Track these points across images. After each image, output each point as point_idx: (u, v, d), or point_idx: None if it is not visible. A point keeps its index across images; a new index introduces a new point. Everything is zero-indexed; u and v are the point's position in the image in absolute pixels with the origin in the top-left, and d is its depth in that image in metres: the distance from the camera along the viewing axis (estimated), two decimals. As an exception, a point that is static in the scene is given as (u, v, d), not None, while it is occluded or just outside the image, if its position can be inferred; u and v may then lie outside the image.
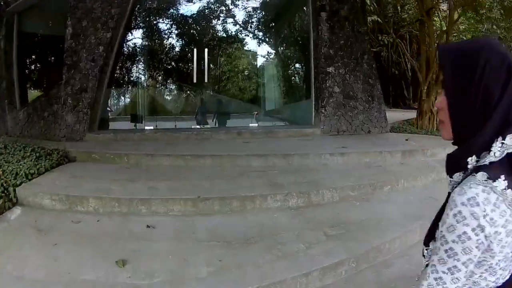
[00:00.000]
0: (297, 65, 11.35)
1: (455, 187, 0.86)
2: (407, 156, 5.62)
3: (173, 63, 10.99)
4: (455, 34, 9.21)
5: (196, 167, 4.97)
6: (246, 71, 13.09)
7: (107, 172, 4.80)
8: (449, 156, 0.92)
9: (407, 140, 6.91)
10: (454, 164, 0.90)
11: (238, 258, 2.91)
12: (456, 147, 0.92)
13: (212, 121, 9.44)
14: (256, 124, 7.63)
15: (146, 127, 7.32)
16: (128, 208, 3.70)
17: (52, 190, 4.06)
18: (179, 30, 10.62)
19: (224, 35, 11.61)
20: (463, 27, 10.24)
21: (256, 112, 11.21)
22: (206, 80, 8.31)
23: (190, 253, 3.00)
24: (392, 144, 6.41)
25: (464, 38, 10.87)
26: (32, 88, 9.57)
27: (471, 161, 0.85)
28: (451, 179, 0.91)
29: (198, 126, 7.57)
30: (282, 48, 12.29)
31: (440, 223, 0.86)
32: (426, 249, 0.94)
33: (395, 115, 11.62)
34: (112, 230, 3.42)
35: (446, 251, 0.82)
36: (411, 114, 11.49)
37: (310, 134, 7.05)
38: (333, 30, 7.25)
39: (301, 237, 3.22)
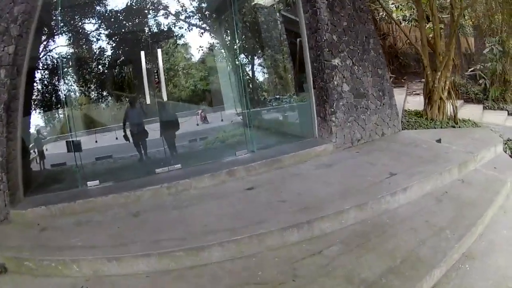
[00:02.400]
0: (276, 58, 9.43)
1: None
2: (463, 169, 4.52)
3: (105, 70, 8.39)
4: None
5: (198, 273, 2.86)
6: (197, 69, 10.88)
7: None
8: None
9: (439, 141, 5.59)
10: None
11: None
12: None
13: (160, 136, 7.03)
14: (245, 152, 5.38)
15: (89, 183, 4.77)
16: None
17: None
18: (109, 30, 8.02)
19: (162, 29, 9.21)
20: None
21: (200, 111, 9.28)
22: (145, 85, 5.76)
23: None
24: (433, 152, 4.98)
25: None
26: None
27: None
28: None
29: (158, 170, 4.98)
30: (241, 37, 10.27)
31: None
32: None
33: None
34: None
35: None
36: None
37: (322, 153, 5.17)
38: (333, 9, 5.36)
39: None
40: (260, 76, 10.73)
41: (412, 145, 5.41)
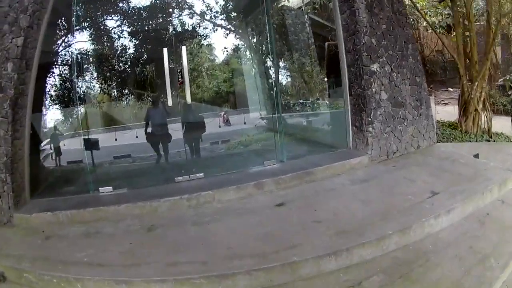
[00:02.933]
0: (303, 61, 9.07)
1: None
2: (502, 188, 4.14)
3: (126, 68, 8.13)
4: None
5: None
6: (221, 71, 10.59)
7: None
8: None
9: (476, 156, 5.19)
10: None
11: None
12: None
13: (184, 139, 6.64)
14: (274, 162, 4.92)
15: (101, 189, 4.35)
16: None
17: None
18: (131, 27, 7.75)
19: (186, 29, 8.93)
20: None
21: (223, 112, 9.12)
22: (167, 85, 5.31)
23: None
24: (472, 169, 4.56)
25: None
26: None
27: None
28: None
29: (178, 179, 4.56)
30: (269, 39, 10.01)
31: None
32: None
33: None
34: None
35: None
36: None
37: (357, 166, 4.77)
38: (372, 10, 4.95)
39: None
40: (286, 79, 10.42)
41: (449, 160, 5.01)
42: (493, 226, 3.40)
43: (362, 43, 4.81)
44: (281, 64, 10.07)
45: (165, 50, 4.96)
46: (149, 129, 6.38)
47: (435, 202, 3.58)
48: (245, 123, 8.96)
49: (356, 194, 3.91)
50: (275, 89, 5.35)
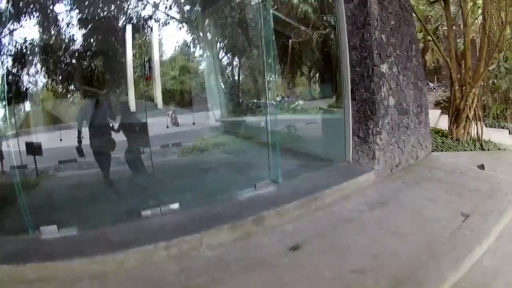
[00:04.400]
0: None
1: None
2: None
3: (74, 61, 6.87)
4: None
5: None
6: (169, 67, 9.64)
7: None
8: None
9: (481, 167, 4.89)
10: None
11: None
12: None
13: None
14: (267, 183, 3.85)
15: (43, 229, 2.88)
16: None
17: None
18: (81, 14, 6.52)
19: (138, 21, 7.81)
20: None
21: (171, 112, 8.43)
22: (128, 82, 3.96)
23: None
24: (486, 183, 4.14)
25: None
26: None
27: None
28: None
29: (146, 213, 3.25)
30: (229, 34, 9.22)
31: None
32: None
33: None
34: None
35: None
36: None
37: (365, 184, 4.04)
38: (382, 2, 4.24)
39: None
40: (245, 78, 9.87)
41: (457, 172, 4.52)
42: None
43: (373, 39, 4.06)
44: (243, 61, 9.62)
45: (128, 27, 3.83)
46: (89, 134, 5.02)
47: (473, 226, 3.10)
48: (194, 123, 8.40)
49: (382, 224, 3.17)
50: (267, 85, 4.28)
